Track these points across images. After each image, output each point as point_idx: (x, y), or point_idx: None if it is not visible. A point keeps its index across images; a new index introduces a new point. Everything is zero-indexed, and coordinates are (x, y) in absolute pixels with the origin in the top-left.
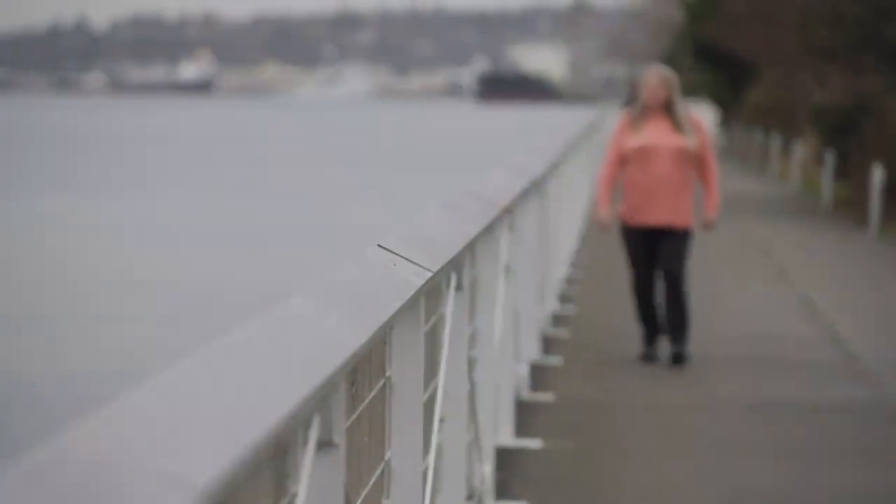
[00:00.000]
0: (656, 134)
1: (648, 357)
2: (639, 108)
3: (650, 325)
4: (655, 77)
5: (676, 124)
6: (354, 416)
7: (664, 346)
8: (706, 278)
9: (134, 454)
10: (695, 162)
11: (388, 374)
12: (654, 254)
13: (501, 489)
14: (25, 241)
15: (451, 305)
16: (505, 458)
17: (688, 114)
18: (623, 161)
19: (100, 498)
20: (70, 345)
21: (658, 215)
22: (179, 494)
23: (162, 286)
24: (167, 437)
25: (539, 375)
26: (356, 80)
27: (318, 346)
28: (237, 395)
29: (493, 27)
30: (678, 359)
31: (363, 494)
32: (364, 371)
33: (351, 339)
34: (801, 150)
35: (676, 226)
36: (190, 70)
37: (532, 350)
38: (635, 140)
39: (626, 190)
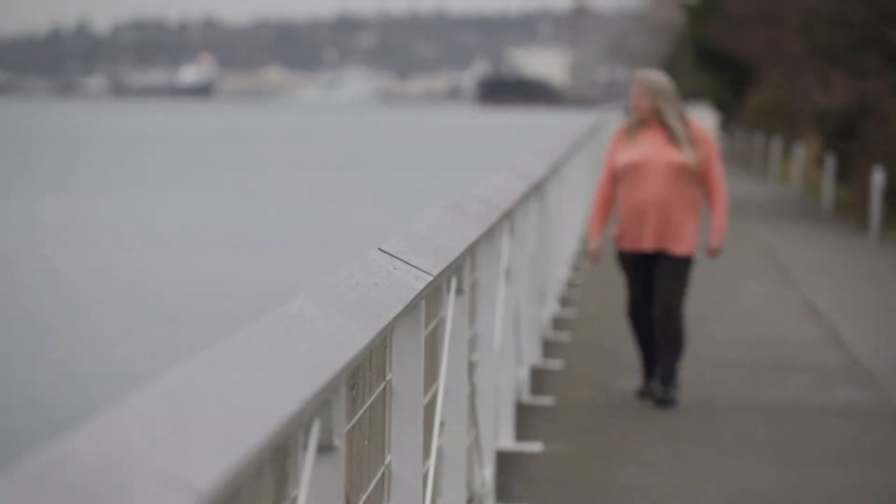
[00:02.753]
0: (650, 148)
1: (645, 394)
2: (634, 119)
3: (647, 353)
4: (636, 86)
5: (671, 137)
6: (355, 420)
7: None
8: (707, 281)
9: (135, 455)
10: (696, 179)
11: (388, 377)
12: (650, 280)
13: (502, 492)
14: (26, 241)
15: (451, 309)
16: (505, 461)
17: (686, 125)
18: (616, 178)
19: (101, 499)
20: (70, 345)
21: (649, 240)
22: (180, 496)
23: (162, 286)
24: (168, 438)
25: (539, 379)
26: (357, 83)
27: (318, 349)
28: (238, 397)
29: (494, 30)
30: (664, 403)
31: (363, 498)
32: (364, 374)
33: (351, 342)
34: (803, 152)
35: (671, 252)
36: (191, 73)
37: (533, 353)
38: (626, 155)
39: (619, 210)
